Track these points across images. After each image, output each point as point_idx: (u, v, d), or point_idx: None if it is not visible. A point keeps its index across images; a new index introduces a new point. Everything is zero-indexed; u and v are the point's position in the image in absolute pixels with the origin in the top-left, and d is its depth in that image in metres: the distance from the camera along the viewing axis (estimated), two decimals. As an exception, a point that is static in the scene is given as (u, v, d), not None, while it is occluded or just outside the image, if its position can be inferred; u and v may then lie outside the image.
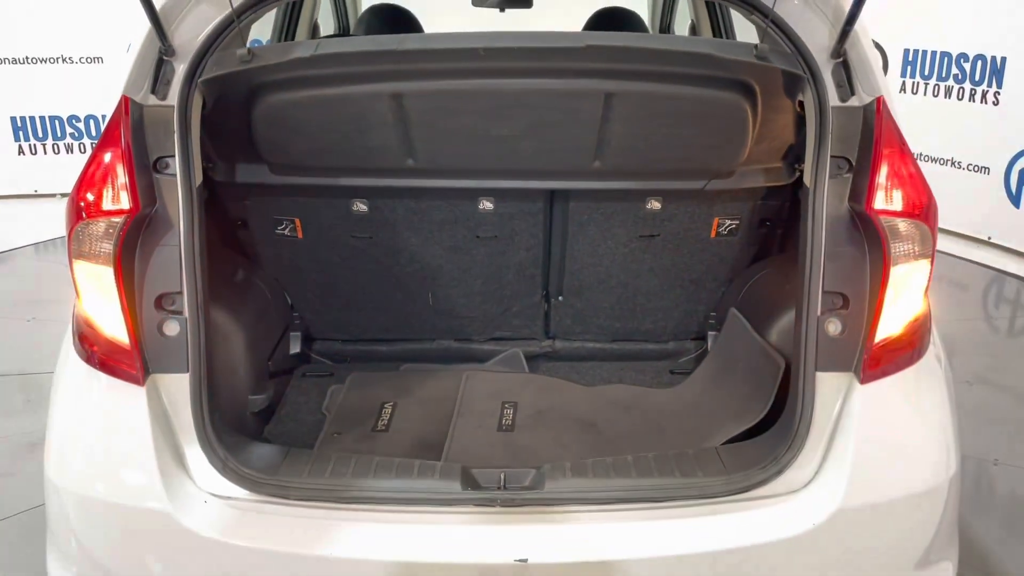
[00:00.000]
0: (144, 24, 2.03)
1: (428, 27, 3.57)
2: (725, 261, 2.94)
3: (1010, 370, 4.74)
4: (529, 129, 2.40)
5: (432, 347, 3.14)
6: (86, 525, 2.03)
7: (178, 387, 2.03)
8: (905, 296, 2.05)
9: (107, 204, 1.99)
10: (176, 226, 2.03)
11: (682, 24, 4.89)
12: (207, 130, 2.17)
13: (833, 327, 2.04)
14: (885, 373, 2.04)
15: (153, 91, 2.05)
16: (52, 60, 7.36)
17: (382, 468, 2.09)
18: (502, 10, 3.34)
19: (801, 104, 2.16)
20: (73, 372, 2.09)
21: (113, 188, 1.99)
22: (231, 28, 2.07)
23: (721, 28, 4.03)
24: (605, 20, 3.46)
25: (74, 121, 7.56)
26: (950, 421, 2.11)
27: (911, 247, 2.03)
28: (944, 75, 6.62)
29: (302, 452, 2.20)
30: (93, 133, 7.55)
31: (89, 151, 2.09)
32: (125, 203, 1.98)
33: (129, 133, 2.00)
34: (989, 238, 6.49)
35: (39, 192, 7.47)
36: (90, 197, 2.00)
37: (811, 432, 2.03)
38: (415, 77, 2.26)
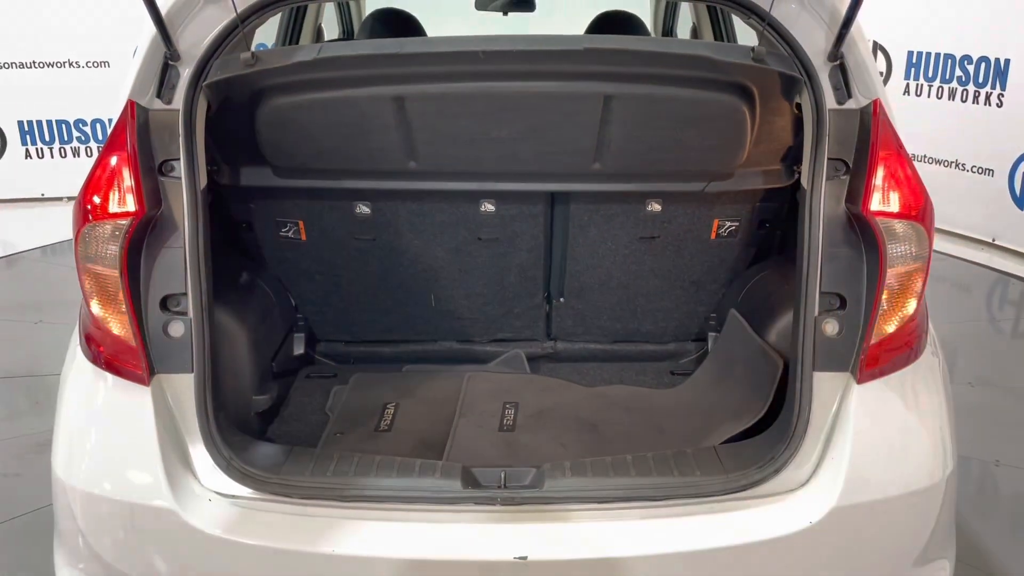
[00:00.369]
0: (149, 29, 2.06)
1: (431, 31, 3.60)
2: (725, 262, 2.96)
3: (1013, 372, 4.74)
4: (529, 131, 2.42)
5: (434, 348, 3.16)
6: (92, 523, 2.06)
7: (183, 387, 2.06)
8: (902, 297, 2.07)
9: (113, 207, 2.02)
10: (181, 228, 2.06)
11: (684, 27, 4.91)
12: (212, 134, 2.20)
13: (830, 327, 2.06)
14: (882, 373, 2.06)
15: (158, 95, 2.08)
16: (59, 64, 7.41)
17: (384, 467, 2.11)
18: (505, 13, 3.38)
19: (799, 106, 2.18)
20: (80, 372, 2.12)
21: (119, 191, 2.02)
22: (235, 33, 2.10)
23: (722, 31, 4.05)
24: (607, 23, 3.47)
25: (81, 125, 7.60)
26: (947, 420, 2.13)
27: (907, 248, 2.04)
28: (948, 77, 6.63)
29: (305, 451, 2.22)
30: (100, 137, 7.59)
31: (96, 155, 2.12)
32: (131, 206, 2.01)
33: (135, 137, 2.03)
34: (993, 240, 6.49)
35: (46, 196, 7.52)
36: (96, 200, 2.03)
37: (808, 432, 2.05)
38: (416, 80, 2.28)
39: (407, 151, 2.48)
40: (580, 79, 2.30)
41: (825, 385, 2.06)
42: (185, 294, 2.05)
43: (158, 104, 2.08)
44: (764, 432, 2.20)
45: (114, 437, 2.05)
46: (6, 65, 7.33)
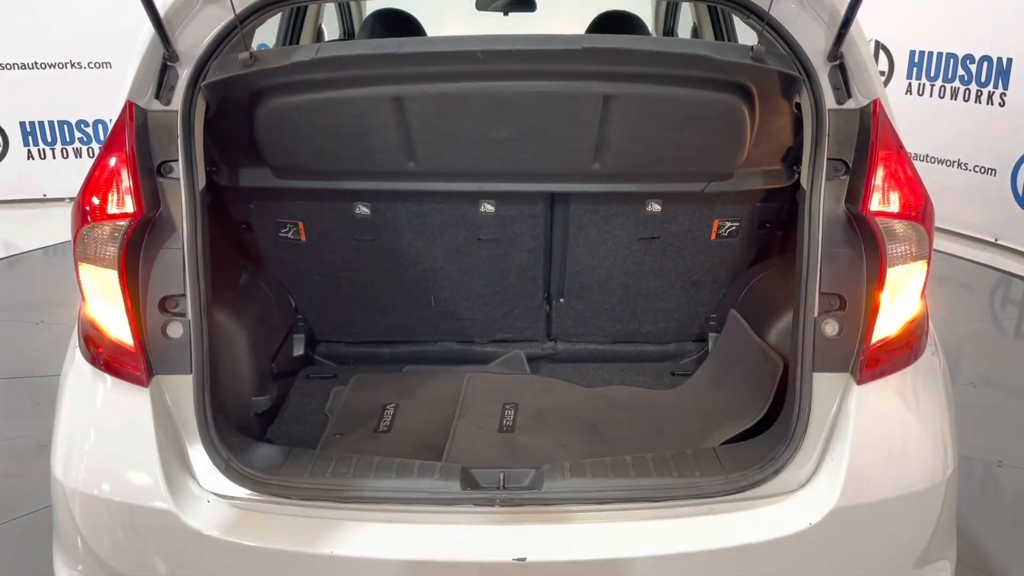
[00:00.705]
0: (148, 30, 2.06)
1: (432, 32, 3.60)
2: (725, 263, 2.96)
3: (1016, 372, 4.73)
4: (528, 132, 2.42)
5: (434, 349, 3.16)
6: (91, 524, 2.06)
7: (182, 388, 2.06)
8: (902, 297, 2.06)
9: (112, 208, 2.02)
10: (179, 229, 2.06)
11: (685, 28, 4.90)
12: (211, 134, 2.20)
13: (830, 328, 2.06)
14: (882, 374, 2.06)
15: (157, 96, 2.08)
16: (61, 65, 7.40)
17: (383, 468, 2.11)
18: (506, 14, 3.38)
19: (798, 106, 2.17)
20: (79, 373, 2.13)
21: (118, 192, 2.02)
22: (234, 33, 2.09)
23: (723, 31, 4.04)
24: (607, 23, 3.47)
25: (83, 126, 7.60)
26: (947, 421, 2.12)
27: (907, 248, 2.03)
28: (950, 76, 6.61)
29: (304, 452, 2.22)
30: (101, 137, 7.59)
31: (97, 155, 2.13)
32: (129, 207, 2.01)
33: (133, 138, 2.03)
34: (996, 239, 6.47)
35: (48, 196, 7.52)
36: (95, 201, 2.03)
37: (808, 432, 2.04)
38: (415, 80, 2.28)
39: (406, 152, 2.48)
40: (579, 79, 2.29)
41: (825, 386, 2.06)
42: (184, 295, 2.05)
43: (156, 105, 2.08)
44: (764, 433, 2.20)
45: (113, 438, 2.06)
46: (8, 66, 7.33)
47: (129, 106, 2.06)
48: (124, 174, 2.02)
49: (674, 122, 2.41)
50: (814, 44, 2.08)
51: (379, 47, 2.23)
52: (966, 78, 6.52)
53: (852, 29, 2.02)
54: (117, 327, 2.05)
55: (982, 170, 6.53)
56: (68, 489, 2.05)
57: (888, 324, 2.06)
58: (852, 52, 2.08)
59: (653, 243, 2.89)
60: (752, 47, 2.09)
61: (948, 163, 6.69)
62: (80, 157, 7.61)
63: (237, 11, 2.05)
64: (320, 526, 1.99)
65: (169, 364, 2.05)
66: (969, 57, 6.46)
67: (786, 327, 2.40)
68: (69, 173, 7.38)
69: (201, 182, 2.10)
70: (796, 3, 2.07)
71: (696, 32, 4.36)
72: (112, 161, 2.03)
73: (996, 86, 6.33)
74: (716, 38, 4.04)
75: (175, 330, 2.06)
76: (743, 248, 2.93)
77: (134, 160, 2.02)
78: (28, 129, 7.55)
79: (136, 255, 2.04)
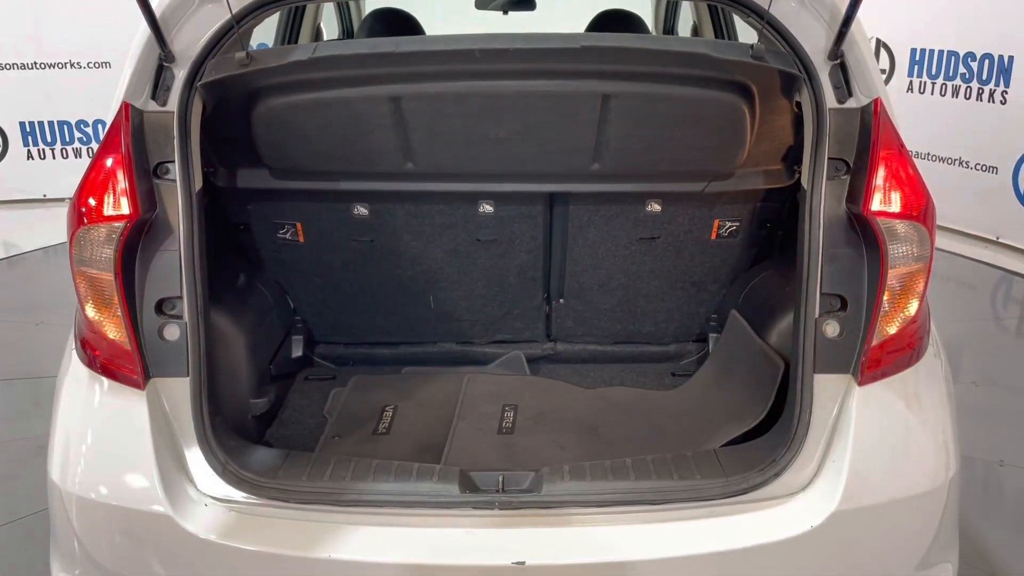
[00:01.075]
0: (143, 31, 2.05)
1: (431, 31, 3.58)
2: (726, 263, 2.94)
3: (1018, 371, 4.72)
4: (527, 131, 2.40)
5: (434, 350, 3.15)
6: (88, 528, 2.05)
7: (179, 391, 2.04)
8: (903, 298, 2.04)
9: (108, 210, 2.01)
10: (176, 231, 2.04)
11: (685, 26, 4.89)
12: (208, 135, 2.19)
13: (831, 329, 2.04)
14: (884, 375, 2.04)
15: (153, 97, 2.07)
16: (60, 65, 7.40)
17: (381, 471, 2.10)
18: (505, 12, 3.37)
19: (799, 105, 2.16)
20: (75, 376, 2.11)
21: (114, 194, 2.01)
22: (231, 33, 2.08)
23: (723, 30, 4.02)
24: (607, 22, 3.46)
25: (82, 126, 7.60)
26: (949, 422, 2.11)
27: (909, 249, 2.02)
28: (951, 74, 6.60)
29: (302, 455, 2.21)
30: (101, 138, 7.57)
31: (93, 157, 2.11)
32: (125, 209, 2.00)
33: (129, 139, 2.02)
34: (997, 238, 6.46)
35: (48, 197, 7.51)
36: (91, 203, 2.02)
37: (809, 434, 2.03)
38: (412, 80, 2.26)
39: (404, 152, 2.47)
40: (578, 78, 2.28)
41: (826, 387, 2.04)
42: (180, 297, 2.04)
43: (153, 106, 2.07)
44: (764, 435, 2.18)
45: (109, 442, 2.04)
46: (7, 66, 7.33)
47: (125, 107, 2.05)
48: (120, 176, 2.01)
49: (674, 121, 2.39)
50: (814, 43, 2.07)
51: (376, 46, 2.22)
52: (967, 76, 6.50)
53: (853, 28, 2.01)
54: (113, 329, 2.04)
55: (983, 168, 6.52)
56: (65, 493, 2.04)
57: (889, 325, 2.05)
58: (853, 51, 2.07)
59: (653, 243, 2.87)
60: (752, 45, 2.07)
61: (949, 161, 6.68)
62: (80, 157, 7.61)
63: (234, 11, 2.03)
64: (318, 529, 1.97)
65: (166, 367, 2.04)
66: (970, 55, 6.45)
67: (787, 328, 2.39)
68: (69, 173, 7.31)
69: (198, 183, 2.09)
70: (796, 2, 2.07)
71: (696, 31, 4.35)
72: (108, 163, 2.02)
73: (997, 84, 6.32)
74: (716, 37, 4.02)
75: (172, 332, 2.04)
76: (743, 248, 2.91)
77: (130, 161, 2.01)
78: (28, 129, 7.55)
79: (132, 257, 2.03)
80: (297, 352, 3.05)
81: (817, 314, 2.04)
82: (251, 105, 2.33)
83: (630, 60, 2.23)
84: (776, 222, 2.86)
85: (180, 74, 2.07)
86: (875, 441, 2.02)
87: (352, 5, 5.04)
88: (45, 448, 2.12)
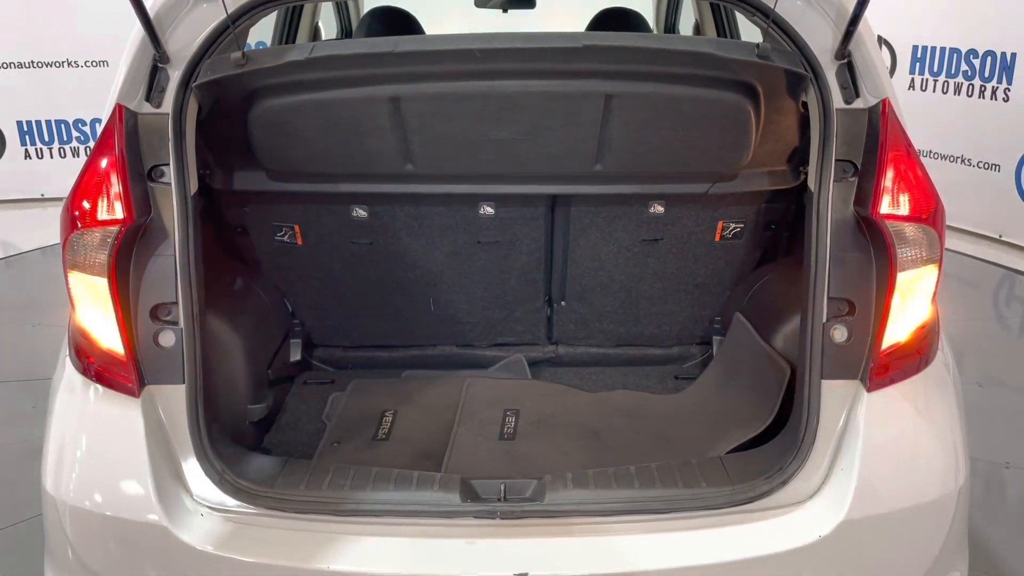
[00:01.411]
0: (137, 31, 2.01)
1: (430, 31, 3.55)
2: (730, 265, 2.91)
3: (1021, 371, 4.68)
4: (528, 132, 2.37)
5: (434, 353, 3.12)
6: (82, 537, 2.02)
7: (174, 399, 2.01)
8: (913, 302, 2.02)
9: (102, 214, 1.98)
10: (171, 236, 2.01)
11: (686, 25, 4.85)
12: (204, 137, 2.16)
13: (839, 334, 2.01)
14: (892, 381, 2.01)
15: (147, 99, 2.04)
16: (58, 64, 7.36)
17: (380, 479, 2.07)
18: (505, 10, 3.33)
19: (805, 105, 2.12)
20: (69, 384, 2.08)
21: (107, 198, 1.98)
22: (226, 34, 2.05)
23: (725, 28, 3.99)
24: (608, 21, 3.43)
25: (80, 125, 7.56)
26: (959, 430, 2.08)
27: (918, 252, 1.99)
28: (954, 72, 6.56)
29: (300, 463, 2.18)
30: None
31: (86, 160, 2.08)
32: (119, 213, 1.97)
33: (123, 142, 1.99)
34: (1000, 236, 6.43)
35: (45, 196, 7.47)
36: (85, 206, 1.99)
37: (817, 442, 2.00)
38: (411, 80, 2.23)
39: (404, 153, 2.43)
40: (580, 78, 2.25)
41: (834, 393, 2.01)
42: (176, 303, 2.01)
43: (147, 108, 2.04)
44: (771, 441, 2.15)
45: (103, 451, 2.01)
46: (4, 65, 7.29)
47: (119, 109, 2.02)
48: (114, 179, 1.98)
49: (678, 122, 2.36)
50: (821, 42, 2.03)
51: (374, 46, 2.18)
52: (970, 73, 6.47)
53: (860, 27, 1.97)
54: (107, 336, 2.00)
55: (986, 166, 6.49)
56: (59, 502, 2.01)
57: (898, 330, 2.01)
58: (860, 50, 2.03)
59: (656, 245, 2.84)
60: (758, 45, 2.04)
61: (951, 159, 6.65)
62: (78, 156, 7.57)
63: (230, 10, 2.00)
64: (317, 540, 1.94)
65: (161, 374, 2.01)
66: (973, 52, 6.41)
67: (793, 331, 2.36)
68: (67, 172, 7.23)
69: (193, 187, 2.06)
70: (803, 0, 2.02)
71: (698, 29, 4.32)
72: (101, 166, 1.99)
73: (1000, 81, 6.29)
74: (719, 35, 3.99)
75: (167, 339, 2.01)
76: (748, 250, 2.88)
77: (124, 165, 1.98)
78: (25, 128, 7.51)
79: (127, 262, 2.00)
80: (295, 356, 3.02)
81: (825, 319, 2.01)
82: (248, 106, 2.30)
83: (633, 59, 2.20)
84: (781, 223, 2.82)
85: (175, 75, 2.04)
86: (884, 449, 1.99)
87: (351, 4, 5.00)
88: (41, 451, 2.09)
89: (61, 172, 7.41)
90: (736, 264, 2.91)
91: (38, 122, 7.51)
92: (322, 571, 1.89)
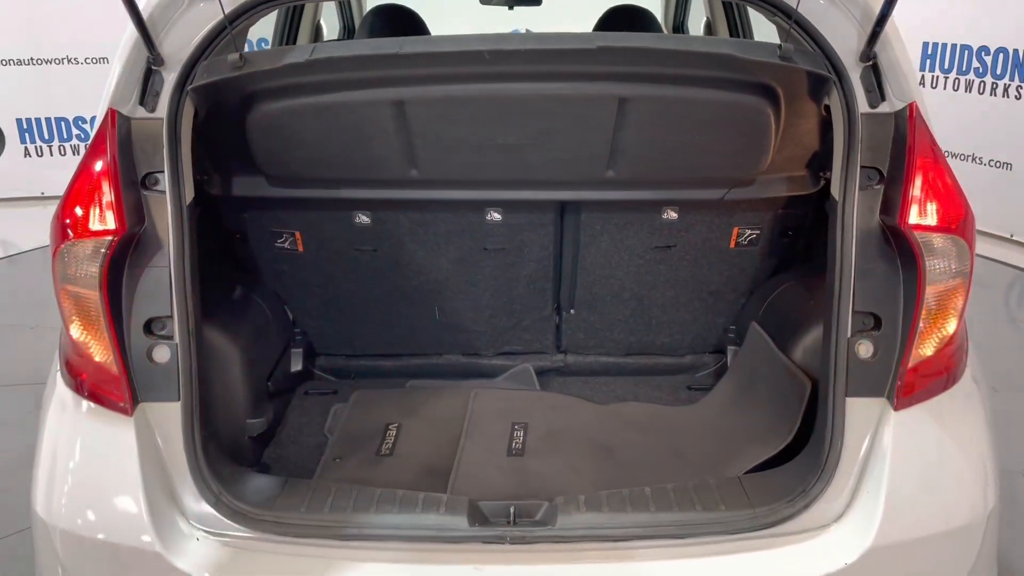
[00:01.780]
0: (130, 32, 1.93)
1: (434, 28, 3.47)
2: (745, 272, 2.83)
3: (1038, 375, 4.59)
4: (538, 137, 2.29)
5: (439, 362, 3.04)
6: (73, 562, 1.94)
7: (169, 417, 1.94)
8: (941, 316, 1.93)
9: (94, 224, 1.90)
10: (166, 246, 1.93)
11: (695, 22, 4.77)
12: (201, 141, 2.08)
13: (864, 350, 1.93)
14: (920, 399, 1.93)
15: (141, 103, 1.97)
16: (58, 61, 7.31)
17: (384, 501, 1.99)
18: (511, 8, 3.25)
19: (827, 108, 2.04)
20: (60, 401, 2.01)
21: (99, 207, 1.90)
22: (223, 35, 1.97)
23: (738, 27, 3.90)
24: (617, 19, 3.35)
25: (80, 123, 7.51)
26: (989, 450, 1.99)
27: (947, 264, 1.91)
28: (965, 69, 6.50)
29: (300, 483, 2.10)
30: (93, 139, 7.50)
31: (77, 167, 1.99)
32: (112, 223, 1.90)
33: (115, 148, 1.91)
34: (1012, 235, 6.36)
35: (45, 195, 7.42)
36: (76, 215, 1.92)
37: (841, 462, 1.92)
38: (416, 83, 2.15)
39: (408, 158, 2.36)
40: (593, 80, 2.17)
41: (859, 412, 1.93)
42: (171, 317, 1.93)
43: (141, 112, 1.97)
44: (792, 461, 2.07)
45: (95, 472, 1.94)
46: (4, 62, 7.24)
47: (111, 114, 1.94)
48: (106, 188, 1.90)
49: (694, 126, 2.28)
50: (845, 43, 1.95)
51: (378, 47, 2.10)
52: (981, 70, 6.41)
53: (887, 27, 1.88)
54: (99, 352, 1.92)
55: (997, 164, 6.44)
56: (49, 525, 1.94)
57: (926, 346, 1.93)
58: (886, 52, 1.95)
59: (669, 252, 2.76)
60: (780, 45, 1.95)
61: (962, 157, 6.59)
62: (77, 155, 7.52)
63: (227, 10, 1.92)
64: (318, 566, 1.87)
65: (156, 391, 1.93)
66: (984, 49, 6.35)
67: (812, 344, 2.28)
68: (67, 171, 7.17)
69: (189, 195, 1.98)
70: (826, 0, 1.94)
71: (710, 28, 4.23)
72: (93, 174, 1.92)
73: (1012, 78, 6.24)
74: (731, 34, 3.90)
75: (162, 354, 1.93)
76: (764, 257, 2.80)
77: (116, 172, 1.90)
78: (25, 126, 7.47)
79: (119, 274, 1.92)
80: (296, 366, 2.94)
81: (849, 333, 1.93)
82: (246, 110, 2.23)
83: (649, 61, 2.12)
84: (799, 230, 2.74)
85: (170, 78, 1.96)
86: (912, 471, 1.91)
87: (354, 2, 4.92)
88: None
89: (61, 170, 7.33)
90: (751, 271, 2.83)
91: (38, 120, 7.47)
92: (324, 599, 1.82)
